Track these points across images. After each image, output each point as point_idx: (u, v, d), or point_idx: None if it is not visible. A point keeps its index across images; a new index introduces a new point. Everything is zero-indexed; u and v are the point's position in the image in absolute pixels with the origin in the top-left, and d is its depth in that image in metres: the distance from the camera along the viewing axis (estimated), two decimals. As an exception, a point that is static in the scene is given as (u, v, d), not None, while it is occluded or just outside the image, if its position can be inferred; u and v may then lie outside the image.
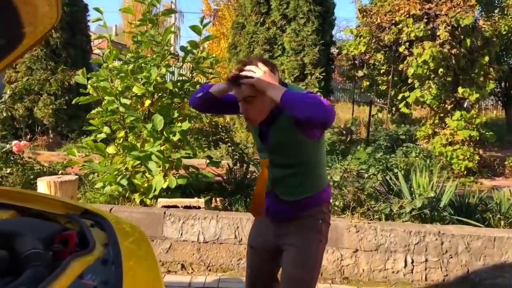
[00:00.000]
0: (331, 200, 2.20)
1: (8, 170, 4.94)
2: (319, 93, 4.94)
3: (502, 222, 4.39)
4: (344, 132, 5.32)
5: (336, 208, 4.19)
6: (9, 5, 1.59)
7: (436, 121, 7.66)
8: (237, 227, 3.92)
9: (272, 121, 1.96)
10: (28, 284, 1.42)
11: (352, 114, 10.45)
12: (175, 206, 4.21)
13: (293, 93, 1.77)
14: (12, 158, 5.00)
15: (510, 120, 12.06)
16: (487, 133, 7.26)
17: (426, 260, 3.88)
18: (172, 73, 4.91)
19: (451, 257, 3.87)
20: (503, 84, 11.71)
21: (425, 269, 3.88)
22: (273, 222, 2.12)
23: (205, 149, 5.22)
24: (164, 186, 4.43)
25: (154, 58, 4.56)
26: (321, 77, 5.26)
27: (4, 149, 4.84)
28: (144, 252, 1.94)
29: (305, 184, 2.04)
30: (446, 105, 7.45)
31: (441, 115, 7.58)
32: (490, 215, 4.52)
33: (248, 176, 5.14)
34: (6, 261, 1.58)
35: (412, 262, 3.88)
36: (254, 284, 2.27)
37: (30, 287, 1.35)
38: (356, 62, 8.08)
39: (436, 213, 4.34)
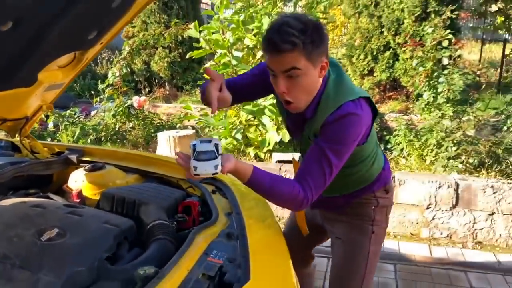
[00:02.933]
0: (391, 182, 1.82)
1: (130, 124, 5.19)
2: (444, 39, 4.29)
3: None
4: (478, 77, 4.71)
5: (468, 165, 3.76)
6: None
7: None
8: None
9: (306, 116, 1.51)
10: (155, 260, 1.39)
11: (480, 56, 9.35)
12: (290, 162, 4.09)
13: (258, 187, 1.47)
14: (133, 113, 5.23)
15: None
16: None
17: None
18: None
19: None
20: None
21: None
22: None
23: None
24: (278, 140, 4.36)
25: (265, 6, 4.34)
26: (452, 16, 4.61)
27: (126, 105, 5.06)
28: (267, 223, 1.82)
29: (349, 184, 1.71)
30: None
31: None
32: None
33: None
34: (133, 232, 1.58)
35: None
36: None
37: (158, 264, 1.32)
38: (489, -6, 7.04)
39: None
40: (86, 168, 2.06)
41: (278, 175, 1.50)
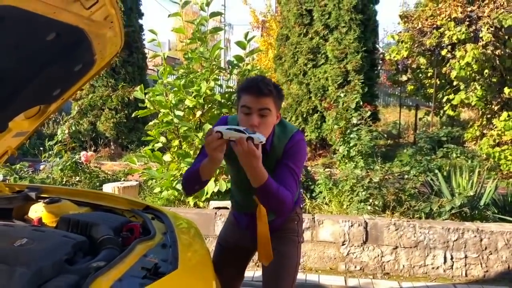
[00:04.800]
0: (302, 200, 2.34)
1: (77, 178, 5.51)
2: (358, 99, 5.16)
3: (548, 220, 4.41)
4: (385, 135, 5.50)
5: (376, 208, 4.40)
6: (85, 38, 2.02)
7: (484, 122, 7.63)
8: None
9: (267, 148, 1.94)
10: (105, 260, 1.81)
11: (399, 118, 10.51)
12: (226, 208, 4.57)
13: (270, 189, 1.79)
14: (80, 168, 5.58)
15: None
16: (537, 132, 7.14)
17: (466, 257, 4.00)
18: (220, 85, 5.31)
19: (491, 254, 3.97)
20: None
21: (465, 265, 4.01)
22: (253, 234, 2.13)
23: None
24: (215, 190, 4.82)
25: (203, 73, 4.97)
26: (360, 83, 5.51)
27: (73, 160, 5.42)
28: (196, 240, 2.29)
29: None
30: (493, 106, 7.41)
31: (488, 116, 7.55)
32: (536, 214, 4.56)
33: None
34: (87, 245, 1.98)
35: (452, 258, 4.02)
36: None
37: (107, 261, 1.73)
38: (399, 67, 8.23)
39: (477, 212, 4.44)
40: (44, 201, 2.45)
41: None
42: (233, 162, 2.08)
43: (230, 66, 5.20)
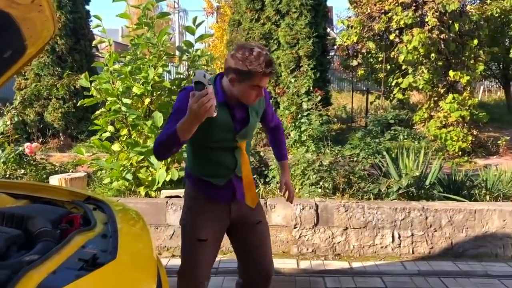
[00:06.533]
0: None
1: (22, 171, 5.29)
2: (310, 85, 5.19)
3: (488, 197, 4.64)
4: (336, 120, 5.61)
5: (327, 190, 4.47)
6: (12, 23, 1.91)
7: (431, 105, 7.89)
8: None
9: (247, 107, 2.17)
10: (40, 253, 1.74)
11: (352, 103, 10.72)
12: (177, 196, 4.51)
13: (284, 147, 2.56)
14: (25, 160, 5.36)
15: (510, 100, 12.18)
16: (480, 114, 7.49)
17: (412, 235, 4.15)
18: (169, 72, 5.21)
19: (436, 231, 4.13)
20: (501, 65, 11.84)
21: (412, 243, 4.15)
22: (237, 204, 2.26)
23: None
24: (167, 179, 4.75)
25: (151, 59, 4.86)
26: (310, 68, 5.55)
27: (17, 152, 5.19)
28: (141, 230, 2.25)
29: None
30: (439, 89, 7.68)
31: (435, 98, 7.82)
32: (477, 191, 4.77)
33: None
34: (22, 238, 1.90)
35: (399, 237, 4.15)
36: (202, 277, 2.30)
37: (41, 254, 1.67)
38: (349, 52, 8.36)
39: (423, 191, 4.60)
40: (-24, 195, 2.33)
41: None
42: (214, 122, 2.02)
43: (180, 52, 5.10)
